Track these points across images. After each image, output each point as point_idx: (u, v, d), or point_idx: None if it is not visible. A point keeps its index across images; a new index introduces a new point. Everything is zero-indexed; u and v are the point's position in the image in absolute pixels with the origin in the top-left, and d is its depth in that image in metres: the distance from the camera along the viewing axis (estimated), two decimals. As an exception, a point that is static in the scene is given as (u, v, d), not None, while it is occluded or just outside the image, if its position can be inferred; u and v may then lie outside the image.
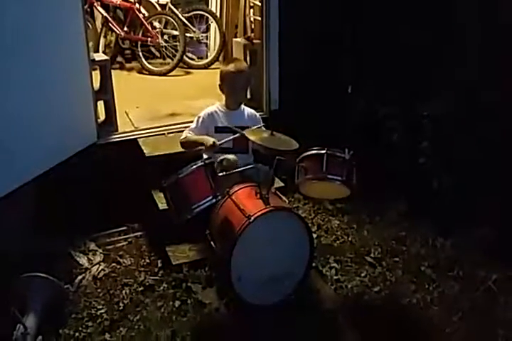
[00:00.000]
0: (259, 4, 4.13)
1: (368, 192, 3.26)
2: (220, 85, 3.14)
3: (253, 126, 3.05)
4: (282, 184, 3.49)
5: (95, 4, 5.69)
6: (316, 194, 3.04)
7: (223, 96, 3.19)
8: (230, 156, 2.96)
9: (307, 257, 2.77)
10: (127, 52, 6.14)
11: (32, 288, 2.65)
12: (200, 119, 3.16)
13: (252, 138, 2.64)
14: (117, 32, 5.79)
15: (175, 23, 5.59)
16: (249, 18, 5.43)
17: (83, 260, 3.20)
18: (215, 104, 3.22)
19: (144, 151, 3.56)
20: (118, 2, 5.73)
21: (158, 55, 6.04)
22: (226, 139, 2.96)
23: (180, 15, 5.64)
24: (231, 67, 3.08)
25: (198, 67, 5.87)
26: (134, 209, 3.44)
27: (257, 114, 3.27)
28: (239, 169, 2.85)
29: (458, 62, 3.46)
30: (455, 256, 3.20)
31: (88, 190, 3.34)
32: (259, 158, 3.07)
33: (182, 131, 3.27)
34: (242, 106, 3.23)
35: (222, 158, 2.95)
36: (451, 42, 3.48)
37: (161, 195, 2.91)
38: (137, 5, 5.68)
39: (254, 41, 4.41)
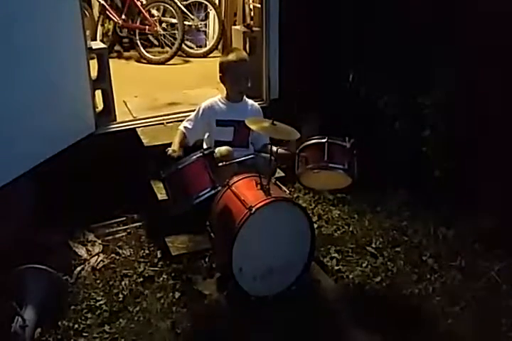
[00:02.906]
0: (259, -9, 4.08)
1: (368, 181, 3.23)
2: (220, 77, 3.08)
3: None
4: (283, 174, 3.46)
5: (92, -8, 5.65)
6: (318, 184, 3.00)
7: (223, 88, 3.14)
8: (223, 148, 2.89)
9: (308, 248, 2.75)
10: (125, 40, 6.10)
11: (30, 279, 2.62)
12: (201, 111, 3.11)
13: (252, 127, 2.60)
14: (115, 20, 5.74)
15: (173, 11, 5.54)
16: (249, 6, 5.39)
17: (82, 251, 3.18)
18: (216, 97, 3.16)
19: (143, 141, 3.54)
20: (115, -11, 5.68)
21: (157, 44, 6.00)
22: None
23: (178, 3, 5.58)
24: (232, 56, 3.02)
25: (196, 56, 5.84)
26: (133, 199, 3.43)
27: (259, 108, 3.22)
28: (239, 159, 2.81)
29: (459, 51, 3.41)
30: (457, 246, 3.17)
31: (87, 180, 3.31)
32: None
33: (181, 121, 3.24)
34: (245, 98, 3.17)
35: (215, 149, 2.86)
36: (451, 30, 3.43)
37: (161, 185, 2.89)
38: (135, -8, 5.62)
39: (254, 29, 4.37)
